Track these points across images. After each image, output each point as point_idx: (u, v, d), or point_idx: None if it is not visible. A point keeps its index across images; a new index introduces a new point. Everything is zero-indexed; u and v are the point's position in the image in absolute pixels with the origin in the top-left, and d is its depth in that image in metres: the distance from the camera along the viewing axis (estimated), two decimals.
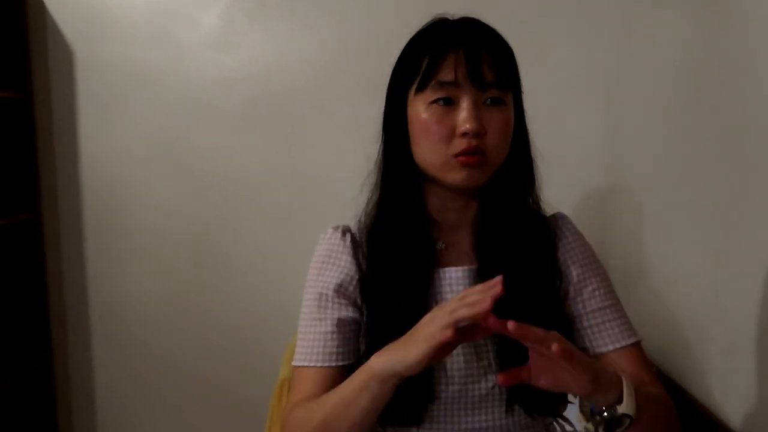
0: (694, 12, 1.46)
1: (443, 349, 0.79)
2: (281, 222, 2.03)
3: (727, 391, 1.27)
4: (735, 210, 1.28)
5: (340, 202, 1.90)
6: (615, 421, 0.79)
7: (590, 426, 0.81)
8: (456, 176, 0.90)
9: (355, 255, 0.99)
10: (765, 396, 1.15)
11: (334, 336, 0.94)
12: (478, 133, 0.87)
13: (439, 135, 0.89)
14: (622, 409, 0.78)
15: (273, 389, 1.42)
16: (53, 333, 2.03)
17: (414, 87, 0.91)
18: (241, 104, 1.98)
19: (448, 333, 0.76)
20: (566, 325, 0.97)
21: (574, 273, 0.99)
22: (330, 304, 0.96)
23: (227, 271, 2.04)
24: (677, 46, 1.55)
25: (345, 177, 1.98)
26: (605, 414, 0.79)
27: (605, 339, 0.97)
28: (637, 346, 0.99)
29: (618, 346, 0.97)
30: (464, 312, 0.76)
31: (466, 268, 0.97)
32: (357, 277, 0.97)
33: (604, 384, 0.78)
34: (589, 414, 0.81)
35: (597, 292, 0.99)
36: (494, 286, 0.76)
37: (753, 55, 1.21)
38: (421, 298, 0.94)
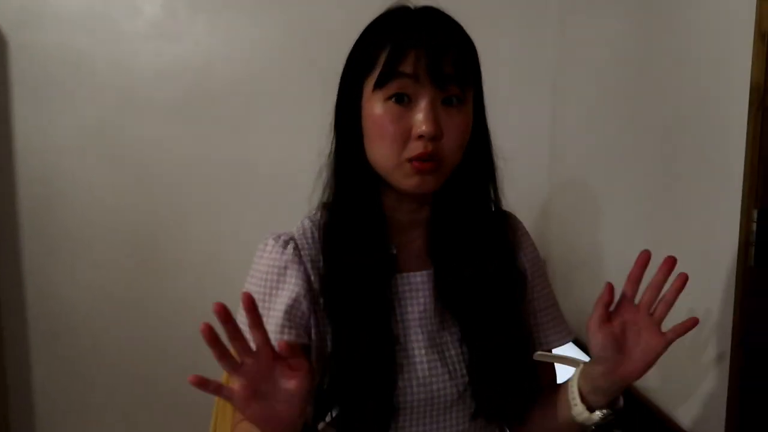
0: (635, 15, 1.50)
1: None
2: (223, 216, 2.00)
3: (664, 378, 1.32)
4: (671, 202, 1.33)
5: (285, 196, 1.91)
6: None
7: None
8: (408, 182, 0.84)
9: (302, 267, 0.90)
10: (698, 382, 1.21)
11: None
12: (434, 137, 0.81)
13: (393, 136, 0.82)
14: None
15: None
16: None
17: (369, 80, 0.85)
18: (183, 96, 1.93)
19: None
20: (525, 323, 0.97)
21: (528, 273, 1.00)
22: (279, 330, 0.87)
23: (167, 265, 2.00)
24: (618, 47, 1.59)
25: (290, 171, 1.98)
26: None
27: (550, 337, 1.01)
28: None
29: (559, 344, 1.02)
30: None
31: (424, 272, 0.93)
32: (305, 291, 0.89)
33: None
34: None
35: (544, 291, 1.02)
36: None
37: (686, 57, 1.26)
38: (384, 307, 0.89)
